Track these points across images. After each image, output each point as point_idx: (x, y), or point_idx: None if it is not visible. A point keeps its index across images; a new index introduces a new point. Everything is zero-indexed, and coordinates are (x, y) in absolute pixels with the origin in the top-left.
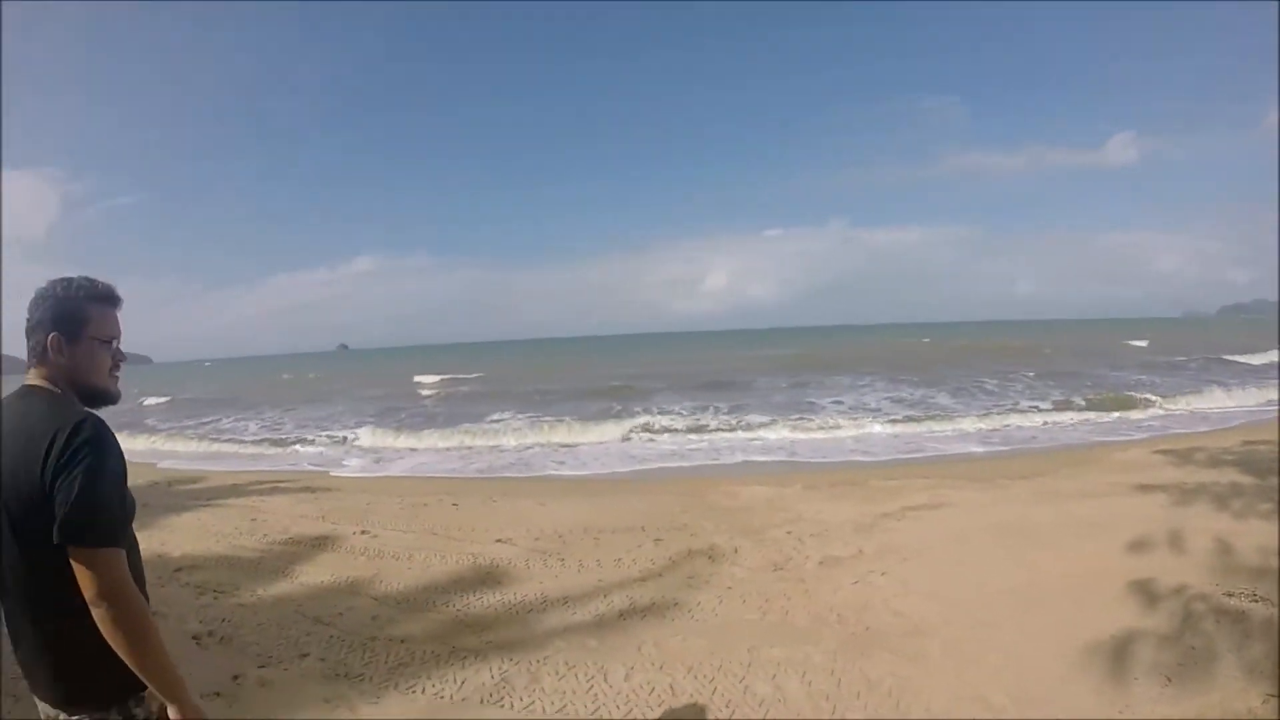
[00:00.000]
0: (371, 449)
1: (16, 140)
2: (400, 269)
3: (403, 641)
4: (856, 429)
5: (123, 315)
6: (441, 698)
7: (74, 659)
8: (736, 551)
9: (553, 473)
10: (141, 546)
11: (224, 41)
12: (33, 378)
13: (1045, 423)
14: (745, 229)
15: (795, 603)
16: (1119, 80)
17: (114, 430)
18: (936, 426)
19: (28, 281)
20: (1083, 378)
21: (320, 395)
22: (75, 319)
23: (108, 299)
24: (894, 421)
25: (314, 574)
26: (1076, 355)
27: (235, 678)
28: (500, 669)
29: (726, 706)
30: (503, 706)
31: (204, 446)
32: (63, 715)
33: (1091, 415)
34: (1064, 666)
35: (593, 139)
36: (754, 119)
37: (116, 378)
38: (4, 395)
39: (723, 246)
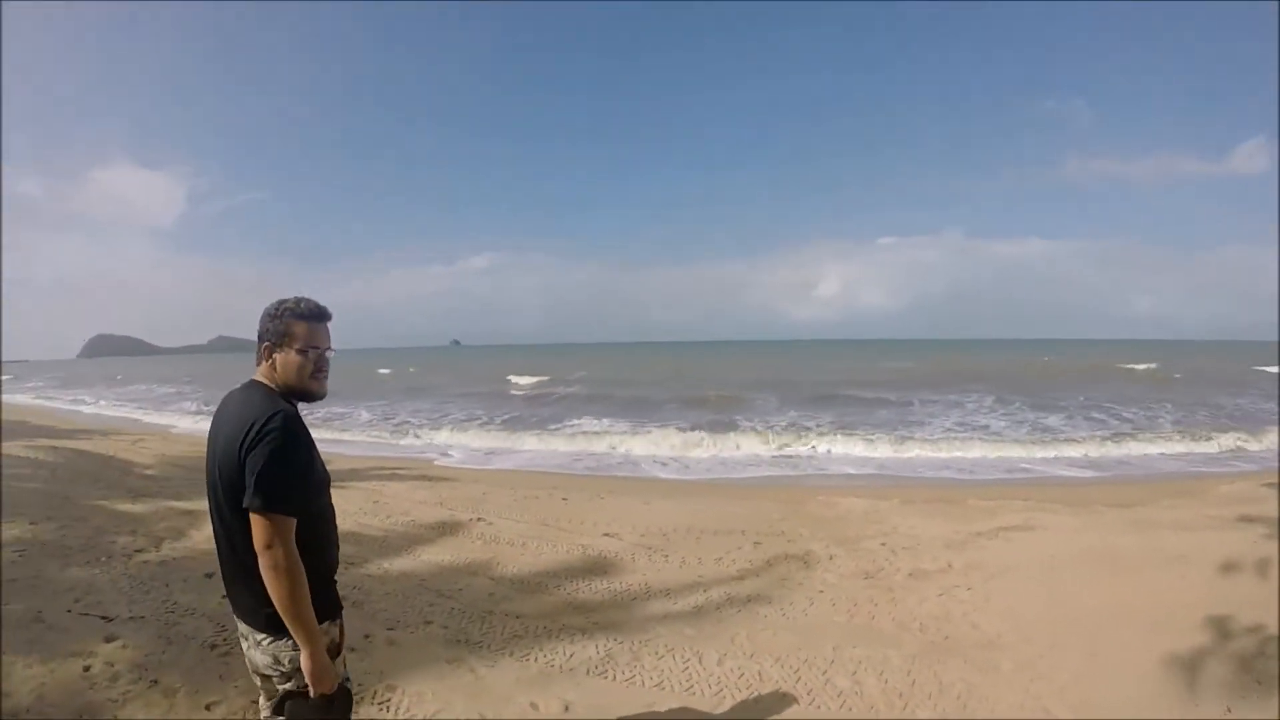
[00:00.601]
0: (480, 444)
1: (146, 142)
2: (517, 266)
3: (517, 617)
4: (961, 448)
5: (325, 330)
6: (552, 666)
7: (267, 595)
8: (831, 559)
9: (658, 475)
10: None
11: (337, 45)
12: (257, 374)
13: (1155, 452)
14: (859, 235)
15: (881, 609)
16: (1246, 84)
17: None
18: (1041, 450)
19: (160, 264)
20: (1202, 405)
21: (428, 388)
22: (282, 333)
23: (311, 316)
24: (999, 442)
25: (435, 554)
26: (1198, 380)
27: (366, 636)
28: (605, 646)
29: (808, 694)
30: (606, 678)
31: (320, 433)
32: (261, 637)
33: (1203, 445)
34: (1129, 690)
35: (705, 140)
36: (866, 118)
37: (318, 379)
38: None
39: (836, 253)
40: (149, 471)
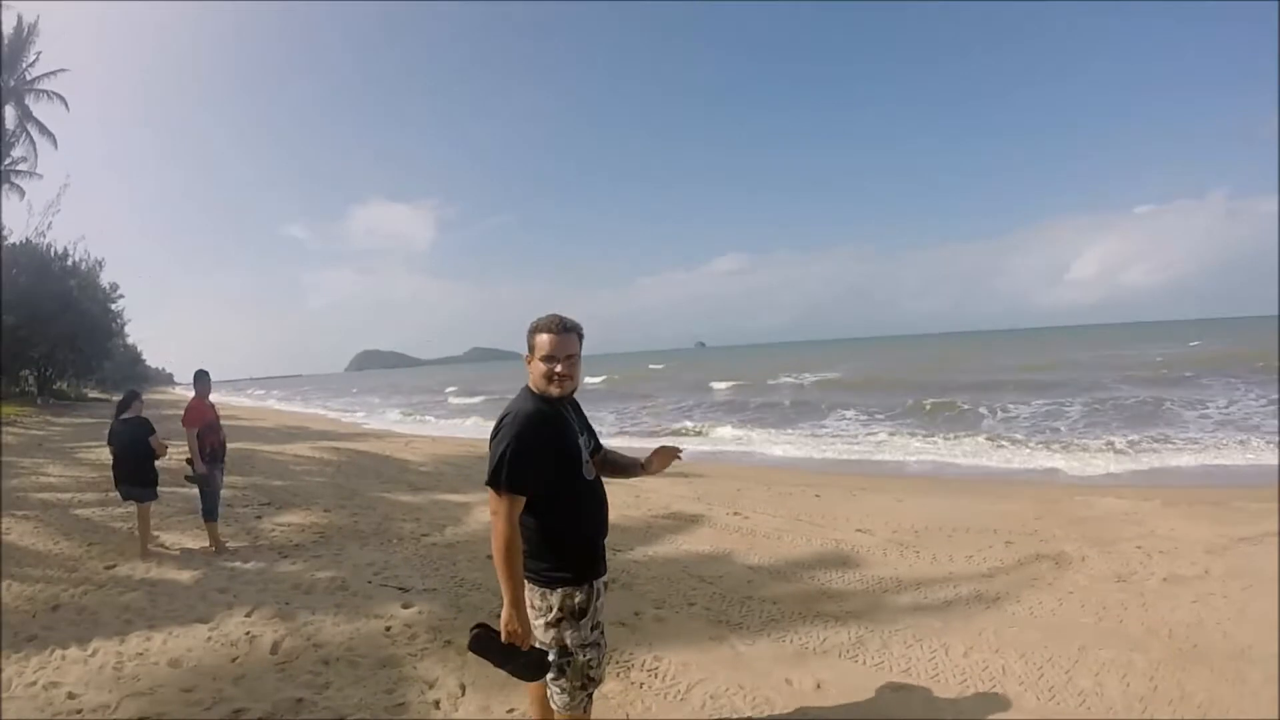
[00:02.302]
0: (732, 438)
1: (393, 179)
2: (762, 265)
3: (774, 602)
4: (1230, 444)
5: (563, 340)
6: (806, 648)
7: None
8: (1083, 560)
9: (910, 471)
10: None
11: (561, 75)
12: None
13: None
14: (1112, 206)
15: (1131, 613)
16: None
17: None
18: None
19: (418, 286)
20: None
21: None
22: (530, 345)
23: (544, 329)
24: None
25: (695, 543)
26: None
27: (636, 613)
28: (856, 633)
29: (1049, 691)
30: (856, 661)
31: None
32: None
33: None
34: None
35: (943, 109)
36: (1112, 64)
37: (555, 382)
38: None
39: (1088, 228)
40: (423, 469)
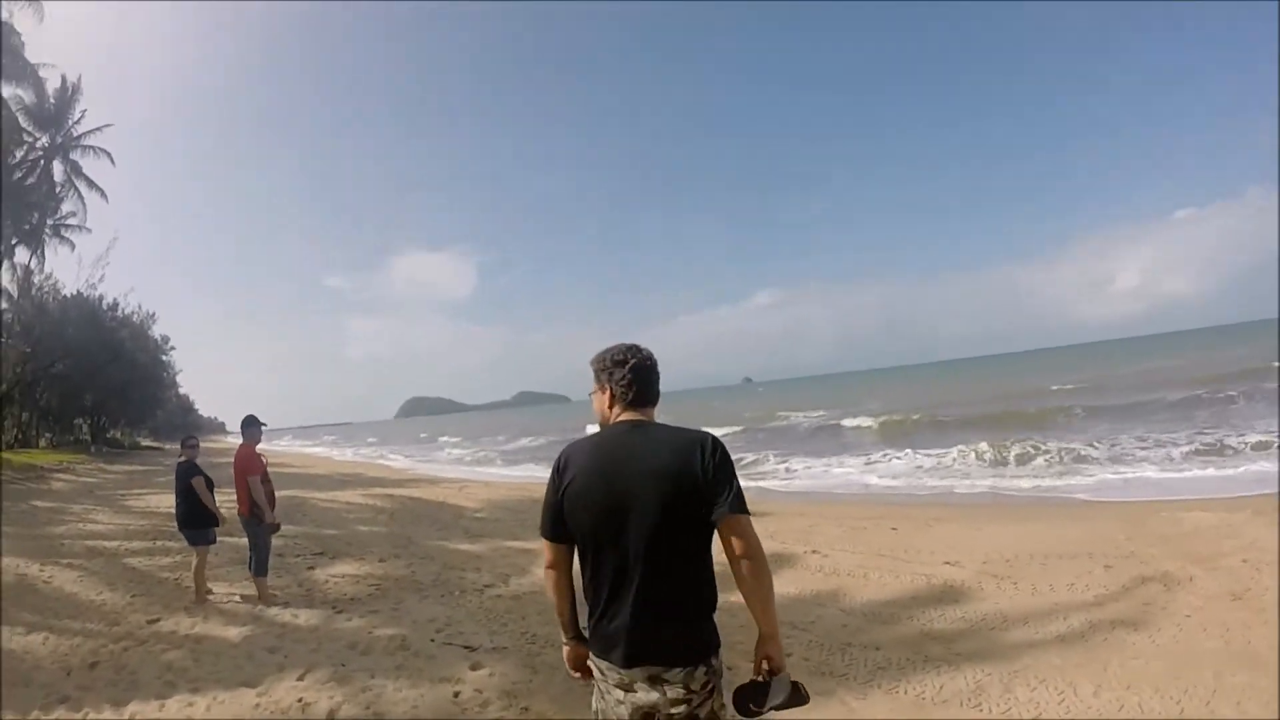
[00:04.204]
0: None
1: (438, 227)
2: (799, 298)
3: (876, 648)
4: None
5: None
6: (923, 698)
7: (701, 617)
8: (1191, 580)
9: (987, 499)
10: None
11: (592, 119)
12: (639, 414)
13: None
14: (1150, 213)
15: (1256, 632)
16: None
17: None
18: None
19: (459, 333)
20: None
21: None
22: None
23: (596, 365)
24: None
25: (779, 586)
26: None
27: (729, 667)
28: (974, 678)
29: None
30: (980, 710)
31: None
32: (675, 672)
33: None
34: None
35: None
36: (1138, 74)
37: (607, 414)
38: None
39: (1127, 238)
40: (479, 514)
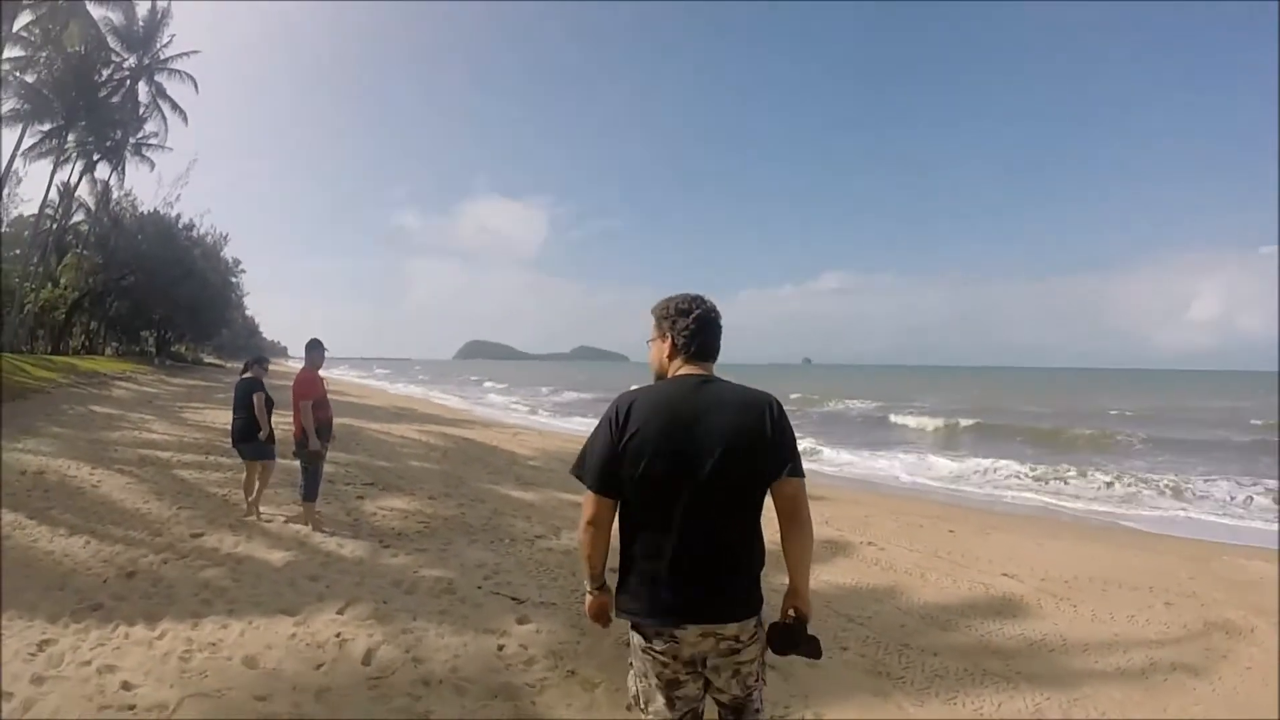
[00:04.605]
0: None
1: (514, 175)
2: (868, 287)
3: (934, 654)
4: None
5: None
6: (981, 713)
7: (756, 572)
8: (1253, 631)
9: (1040, 513)
10: None
11: (664, 90)
12: (708, 368)
13: None
14: (1238, 244)
15: None
16: None
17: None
18: None
19: (525, 282)
20: None
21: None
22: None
23: (659, 312)
24: None
25: (835, 575)
26: None
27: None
28: (1033, 700)
29: None
30: None
31: None
32: (731, 628)
33: None
34: None
35: (1046, 131)
36: (1234, 92)
37: (665, 364)
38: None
39: (1211, 265)
40: (532, 462)
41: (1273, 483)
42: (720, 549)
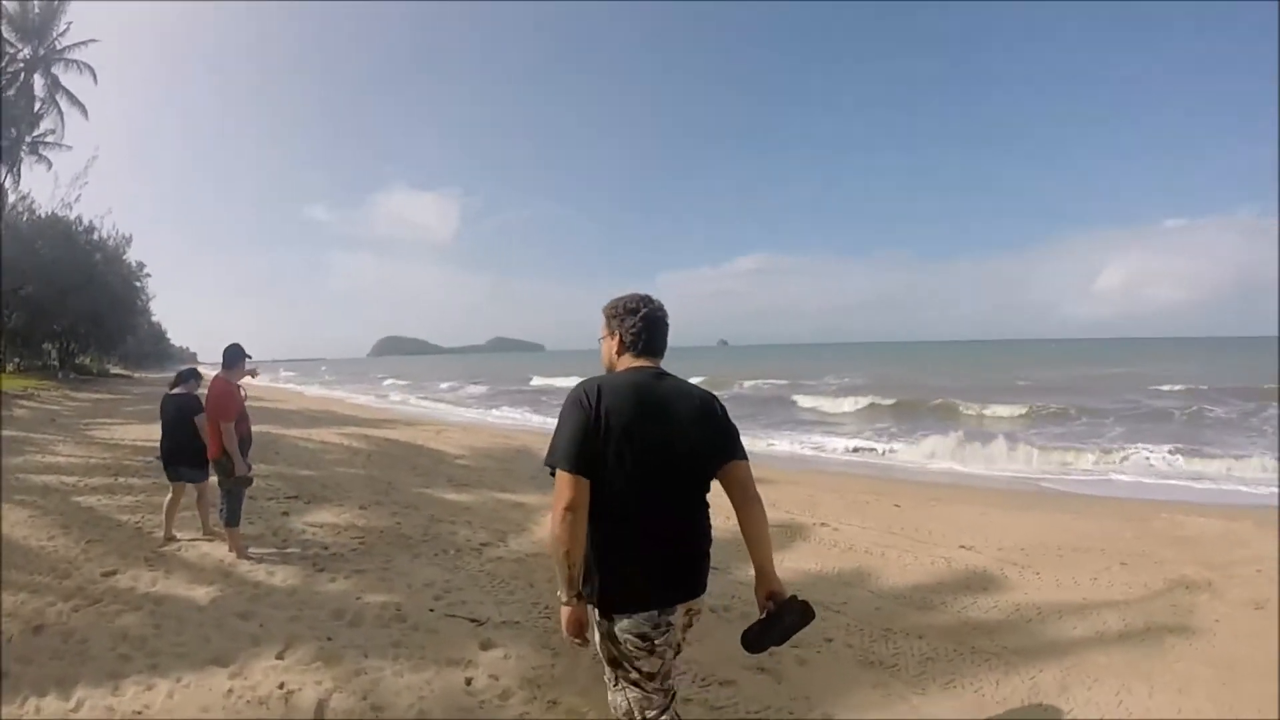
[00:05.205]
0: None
1: (426, 168)
2: (784, 268)
3: (919, 636)
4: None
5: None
6: (984, 696)
7: (707, 555)
8: (1210, 585)
9: (970, 482)
10: None
11: (576, 85)
12: (657, 363)
13: None
14: (1140, 219)
15: None
16: None
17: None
18: None
19: (439, 275)
20: None
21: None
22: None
23: (608, 311)
24: None
25: (800, 561)
26: None
27: (771, 654)
28: (1028, 674)
29: None
30: (1043, 709)
31: None
32: (694, 603)
33: None
34: None
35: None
36: (1139, 82)
37: (614, 360)
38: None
39: (1115, 242)
40: (461, 461)
41: (1184, 444)
42: (694, 526)
